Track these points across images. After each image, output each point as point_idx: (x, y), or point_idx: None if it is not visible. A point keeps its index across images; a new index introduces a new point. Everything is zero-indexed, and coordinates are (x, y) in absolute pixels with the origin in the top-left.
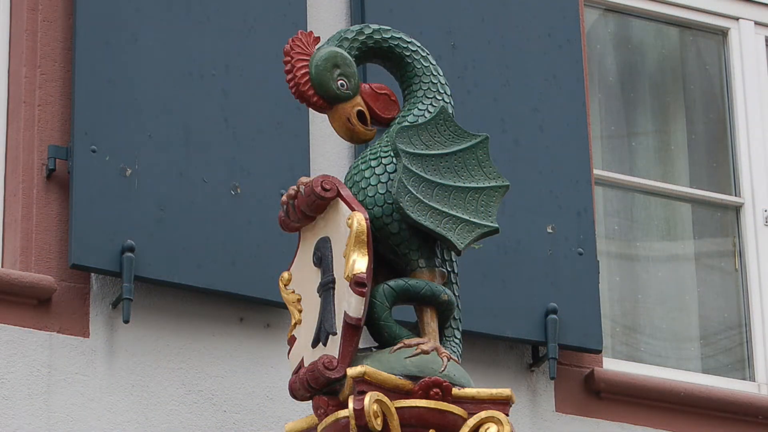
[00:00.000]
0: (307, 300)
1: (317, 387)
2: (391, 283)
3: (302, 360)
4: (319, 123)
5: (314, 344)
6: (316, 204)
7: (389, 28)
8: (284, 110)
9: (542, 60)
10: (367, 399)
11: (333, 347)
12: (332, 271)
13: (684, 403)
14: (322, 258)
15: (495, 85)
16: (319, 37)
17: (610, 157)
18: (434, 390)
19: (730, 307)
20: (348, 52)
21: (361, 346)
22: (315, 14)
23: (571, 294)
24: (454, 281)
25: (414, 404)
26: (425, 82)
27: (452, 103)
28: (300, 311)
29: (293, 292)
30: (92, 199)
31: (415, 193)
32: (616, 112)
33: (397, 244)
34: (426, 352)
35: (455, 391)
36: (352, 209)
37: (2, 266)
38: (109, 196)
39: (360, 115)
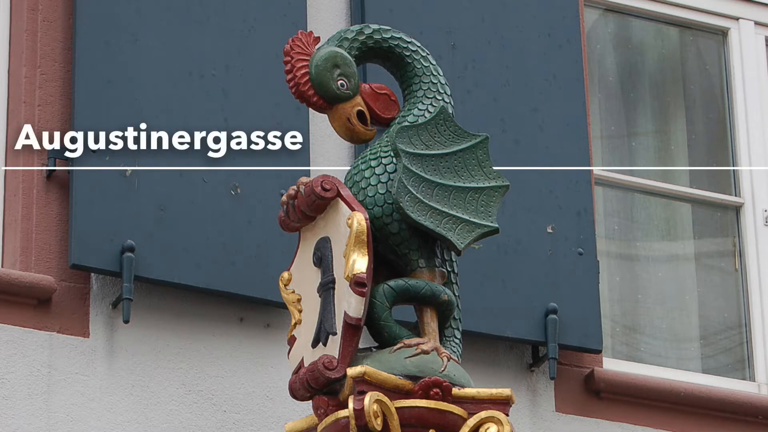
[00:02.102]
0: (307, 300)
1: (317, 387)
2: (391, 283)
3: (302, 360)
4: (319, 123)
5: (314, 344)
6: (316, 204)
7: (389, 28)
8: (284, 110)
9: (542, 60)
10: (367, 399)
11: (333, 347)
12: (332, 271)
13: (684, 403)
14: (322, 258)
15: (495, 85)
16: (319, 37)
17: (610, 157)
18: (434, 390)
19: (730, 307)
20: (348, 52)
21: (361, 346)
22: (315, 14)
23: (571, 294)
24: (454, 281)
25: (414, 404)
26: (425, 82)
27: (452, 103)
28: (300, 311)
29: (293, 292)
30: (92, 199)
31: (415, 193)
32: (616, 112)
33: (397, 244)
34: (426, 352)
35: (455, 391)
36: (352, 209)
37: (2, 266)
38: (109, 196)
39: (360, 115)
